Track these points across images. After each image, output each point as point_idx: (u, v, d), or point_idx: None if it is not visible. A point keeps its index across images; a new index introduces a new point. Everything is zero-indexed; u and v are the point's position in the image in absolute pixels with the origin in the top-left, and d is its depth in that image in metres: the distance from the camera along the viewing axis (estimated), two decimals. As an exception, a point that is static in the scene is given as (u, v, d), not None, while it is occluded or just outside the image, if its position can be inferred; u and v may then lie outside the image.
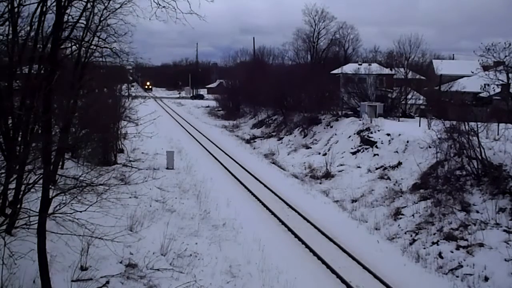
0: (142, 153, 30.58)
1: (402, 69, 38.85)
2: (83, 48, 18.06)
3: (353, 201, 21.20)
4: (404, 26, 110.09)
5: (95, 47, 18.82)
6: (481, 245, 14.38)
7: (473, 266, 13.67)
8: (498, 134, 20.11)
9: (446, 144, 19.73)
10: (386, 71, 42.90)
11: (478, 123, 18.76)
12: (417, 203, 18.43)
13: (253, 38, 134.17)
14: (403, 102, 36.56)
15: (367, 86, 37.82)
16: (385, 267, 14.39)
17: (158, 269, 13.06)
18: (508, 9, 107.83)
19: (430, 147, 21.19)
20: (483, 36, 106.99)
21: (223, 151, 34.76)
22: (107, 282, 11.67)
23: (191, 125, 50.41)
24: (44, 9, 12.22)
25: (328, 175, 25.70)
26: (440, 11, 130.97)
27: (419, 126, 26.78)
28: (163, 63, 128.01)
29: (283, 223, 18.51)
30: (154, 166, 26.26)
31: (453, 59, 64.45)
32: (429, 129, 22.22)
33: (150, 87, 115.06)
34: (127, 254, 13.52)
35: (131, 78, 68.94)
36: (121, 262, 12.90)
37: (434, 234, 15.99)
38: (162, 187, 22.43)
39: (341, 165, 26.57)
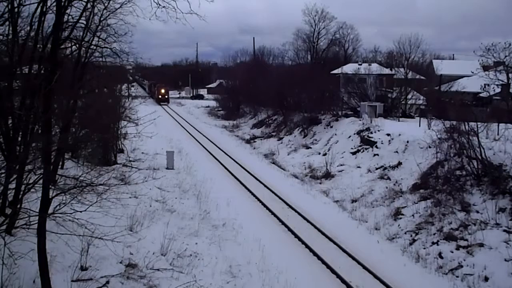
0: (142, 153, 30.57)
1: (402, 69, 38.88)
2: (83, 48, 18.07)
3: (353, 201, 21.20)
4: (403, 26, 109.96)
5: (95, 47, 18.82)
6: (481, 245, 14.39)
7: (473, 266, 13.67)
8: (498, 134, 20.10)
9: (446, 144, 19.73)
10: (386, 71, 42.95)
11: (478, 123, 18.76)
12: (417, 203, 18.44)
13: (253, 38, 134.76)
14: (403, 102, 36.58)
15: (367, 86, 37.86)
16: (385, 267, 14.39)
17: (158, 269, 13.07)
18: (507, 9, 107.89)
19: (430, 147, 21.19)
20: (482, 36, 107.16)
21: (223, 151, 34.75)
22: (107, 282, 11.67)
23: (191, 125, 50.39)
24: (44, 9, 12.22)
25: (328, 175, 25.70)
26: (439, 11, 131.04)
27: (419, 126, 26.79)
28: (163, 63, 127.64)
29: (283, 223, 18.51)
30: (154, 166, 26.24)
31: (453, 59, 64.56)
32: (429, 129, 22.22)
33: (166, 96, 77.66)
34: (127, 254, 13.53)
35: (131, 78, 67.69)
36: (121, 262, 12.90)
37: (434, 234, 15.99)
38: (162, 187, 22.42)
39: (341, 165, 26.58)
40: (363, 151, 26.74)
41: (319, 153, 30.18)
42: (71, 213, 10.52)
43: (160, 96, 75.59)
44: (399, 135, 24.94)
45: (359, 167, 25.36)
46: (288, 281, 13.24)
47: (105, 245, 12.12)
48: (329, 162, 26.61)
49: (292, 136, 36.60)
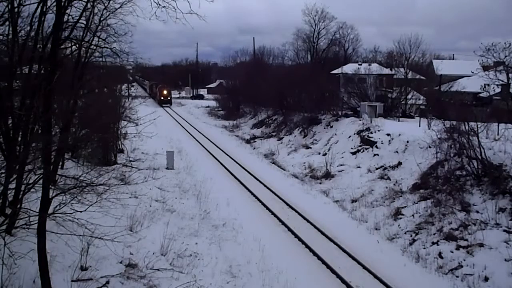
0: (142, 153, 30.59)
1: (402, 69, 38.89)
2: (83, 48, 18.06)
3: (353, 201, 21.20)
4: (403, 26, 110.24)
5: (95, 47, 18.82)
6: (481, 245, 14.39)
7: (473, 266, 13.67)
8: (498, 134, 20.11)
9: (446, 144, 19.75)
10: (386, 71, 42.95)
11: (478, 123, 18.77)
12: (417, 203, 18.44)
13: (253, 38, 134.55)
14: (403, 102, 36.58)
15: (367, 86, 37.86)
16: (385, 267, 14.39)
17: (158, 269, 13.07)
18: (507, 9, 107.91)
19: (430, 147, 21.20)
20: (481, 36, 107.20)
21: (223, 151, 34.76)
22: (107, 282, 11.67)
23: (191, 125, 50.40)
24: (44, 9, 12.24)
25: (328, 175, 25.70)
26: (438, 11, 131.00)
27: (419, 126, 26.79)
28: (163, 63, 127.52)
29: (283, 223, 18.51)
30: (154, 166, 26.25)
31: (453, 59, 64.56)
32: (429, 129, 22.23)
33: (169, 97, 73.81)
34: (127, 254, 13.53)
35: (131, 78, 67.16)
36: (121, 262, 12.90)
37: (434, 234, 15.99)
38: (162, 187, 22.43)
39: (341, 165, 26.57)
40: (363, 151, 26.73)
41: (319, 153, 30.17)
42: (71, 213, 10.53)
43: (162, 98, 72.39)
44: (399, 135, 24.94)
45: (359, 167, 25.35)
46: (288, 281, 13.24)
47: (105, 245, 12.11)
48: (329, 162, 26.61)
49: (292, 136, 36.60)
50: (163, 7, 11.19)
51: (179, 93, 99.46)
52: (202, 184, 23.78)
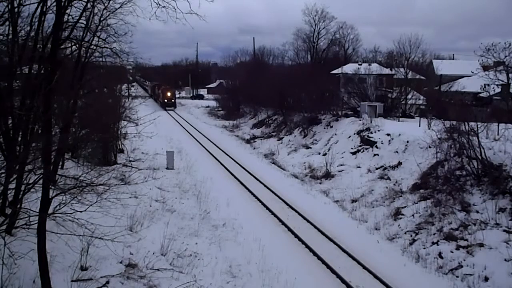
0: (142, 153, 30.58)
1: (402, 69, 38.92)
2: (83, 48, 18.06)
3: (353, 201, 21.20)
4: (402, 26, 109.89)
5: (95, 47, 18.81)
6: (481, 245, 14.39)
7: (473, 266, 13.68)
8: (498, 134, 20.10)
9: (446, 144, 19.75)
10: (386, 71, 43.01)
11: (478, 123, 18.77)
12: (417, 203, 18.44)
13: (253, 38, 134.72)
14: (403, 102, 36.59)
15: (367, 86, 37.89)
16: (385, 267, 14.40)
17: (158, 269, 13.07)
18: (507, 9, 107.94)
19: (430, 147, 21.20)
20: (481, 36, 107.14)
21: (223, 151, 34.76)
22: (107, 282, 11.67)
23: (191, 125, 50.41)
24: (44, 9, 12.24)
25: (328, 175, 25.70)
26: (438, 11, 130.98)
27: (419, 126, 26.79)
28: (163, 63, 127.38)
29: (283, 223, 18.51)
30: (154, 166, 26.26)
31: (453, 59, 64.58)
32: (429, 129, 22.25)
33: (173, 100, 68.88)
34: (127, 254, 13.53)
35: (131, 78, 66.91)
36: (121, 262, 12.90)
37: (434, 234, 15.99)
38: (162, 187, 22.43)
39: (341, 165, 26.58)
40: (363, 151, 26.74)
41: (319, 153, 30.18)
42: (71, 213, 10.52)
43: (165, 100, 67.63)
44: (399, 135, 24.94)
45: (359, 167, 25.35)
46: (288, 281, 13.25)
47: (105, 245, 12.11)
48: (329, 162, 26.61)
49: (292, 136, 36.60)
50: (163, 7, 11.22)
51: (179, 93, 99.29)
52: (202, 184, 23.79)
